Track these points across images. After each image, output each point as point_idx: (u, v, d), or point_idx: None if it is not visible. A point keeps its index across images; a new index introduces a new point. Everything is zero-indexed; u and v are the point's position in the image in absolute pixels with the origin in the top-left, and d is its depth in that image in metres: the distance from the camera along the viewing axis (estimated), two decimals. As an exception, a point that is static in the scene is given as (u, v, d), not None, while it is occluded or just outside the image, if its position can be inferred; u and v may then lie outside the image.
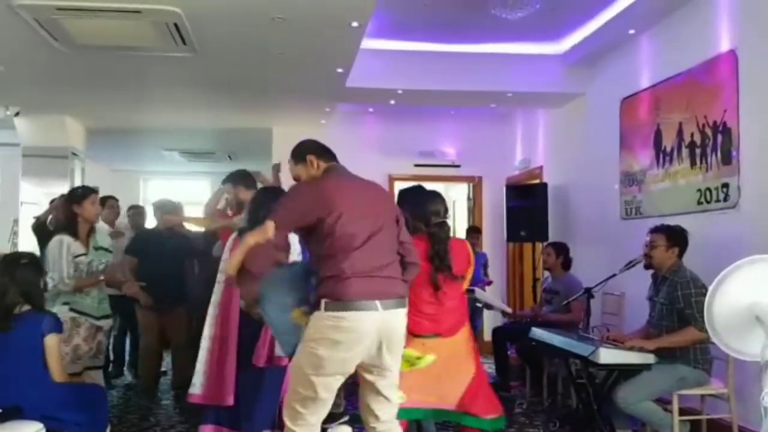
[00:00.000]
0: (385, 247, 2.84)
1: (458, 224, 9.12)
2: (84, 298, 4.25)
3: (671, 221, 4.34)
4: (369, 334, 2.66)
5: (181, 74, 5.96)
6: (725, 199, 4.50)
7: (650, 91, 5.46)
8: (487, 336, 7.02)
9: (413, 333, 3.33)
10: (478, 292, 4.98)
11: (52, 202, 6.09)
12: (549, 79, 6.62)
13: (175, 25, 4.57)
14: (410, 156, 8.30)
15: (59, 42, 4.92)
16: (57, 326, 3.47)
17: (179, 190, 11.36)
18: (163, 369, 6.43)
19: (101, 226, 6.15)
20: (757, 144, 4.25)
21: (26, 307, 3.42)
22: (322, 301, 2.66)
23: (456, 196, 9.35)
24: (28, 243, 6.64)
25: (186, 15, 4.43)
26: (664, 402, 3.96)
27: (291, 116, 7.62)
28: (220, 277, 3.88)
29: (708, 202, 4.67)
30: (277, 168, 5.69)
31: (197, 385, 3.76)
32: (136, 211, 6.78)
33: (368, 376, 2.79)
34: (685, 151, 4.98)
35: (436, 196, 3.67)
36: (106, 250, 4.54)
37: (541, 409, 5.31)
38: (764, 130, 4.20)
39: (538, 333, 4.60)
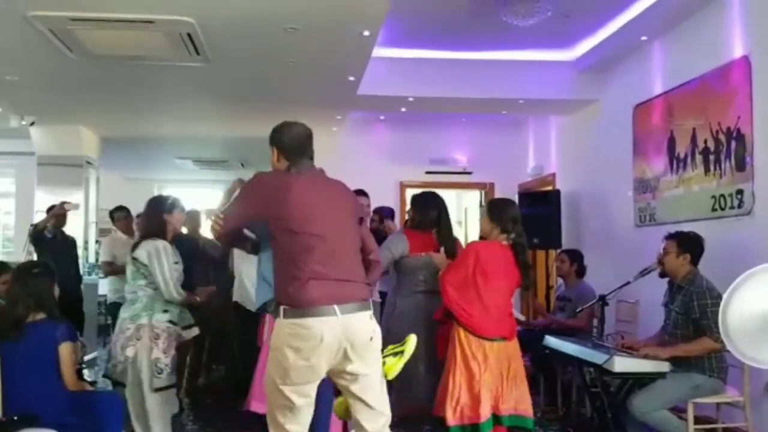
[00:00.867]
0: (347, 249, 2.74)
1: (470, 231, 9.10)
2: (174, 308, 3.97)
3: (685, 228, 4.31)
4: (329, 340, 2.54)
5: (194, 83, 6.01)
6: (739, 206, 4.46)
7: (663, 98, 5.44)
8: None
9: (484, 336, 3.50)
10: None
11: (49, 209, 6.12)
12: (561, 86, 6.60)
13: (189, 35, 4.61)
14: (421, 163, 8.30)
15: (74, 52, 4.98)
16: (71, 335, 3.49)
17: (192, 198, 11.42)
18: None
19: (120, 236, 6.21)
20: (771, 150, 4.22)
21: (40, 316, 3.44)
22: (281, 308, 2.59)
23: (468, 203, 9.34)
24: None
25: (199, 25, 4.46)
26: (679, 411, 3.92)
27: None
28: None
29: (722, 209, 4.63)
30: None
31: (258, 395, 3.66)
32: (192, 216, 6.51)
33: (341, 382, 2.69)
34: (698, 158, 4.94)
35: (512, 202, 3.85)
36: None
37: (555, 417, 5.27)
38: (779, 136, 4.17)
39: (552, 341, 4.57)
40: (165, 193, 4.60)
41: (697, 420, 3.89)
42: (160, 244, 3.87)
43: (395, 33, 5.70)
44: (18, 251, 7.80)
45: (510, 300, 3.73)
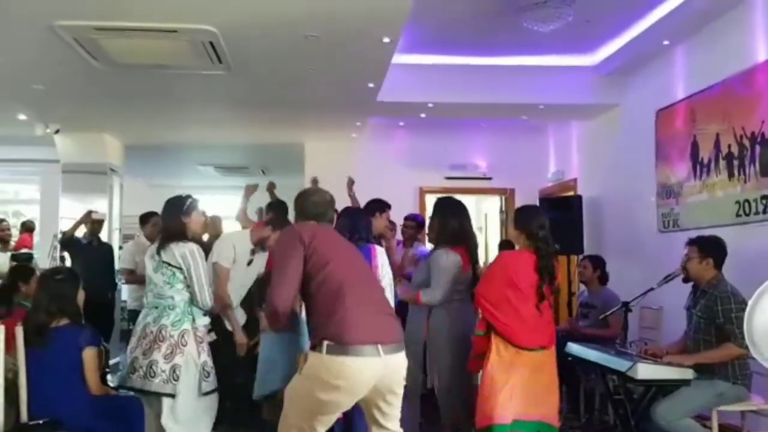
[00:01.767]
0: (377, 287, 2.91)
1: (491, 238, 9.06)
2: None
3: (709, 234, 4.26)
4: (369, 380, 2.59)
5: (216, 91, 6.07)
6: (764, 211, 4.40)
7: (686, 102, 5.39)
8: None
9: (523, 347, 3.48)
10: None
11: (89, 214, 6.20)
12: (582, 91, 6.57)
13: (211, 43, 4.66)
14: (441, 169, 8.29)
15: (98, 61, 5.05)
16: (95, 340, 3.53)
17: (214, 203, 11.51)
18: None
19: (143, 242, 6.23)
20: (797, 155, 4.16)
21: (64, 321, 3.48)
22: (324, 343, 2.57)
23: (488, 209, 9.30)
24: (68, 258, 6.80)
25: (221, 34, 4.51)
26: (703, 419, 3.87)
27: (323, 131, 7.70)
28: None
29: (747, 214, 4.58)
30: (314, 181, 5.78)
31: None
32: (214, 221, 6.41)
33: (370, 410, 2.75)
34: (722, 163, 4.89)
35: (538, 209, 3.87)
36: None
37: (577, 425, 5.22)
38: (805, 141, 4.11)
39: (574, 348, 4.54)
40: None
41: (722, 428, 3.85)
42: (193, 246, 3.68)
43: (415, 39, 5.72)
44: (43, 257, 7.91)
45: (548, 307, 3.68)
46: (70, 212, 7.66)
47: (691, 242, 4.03)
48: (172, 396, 3.47)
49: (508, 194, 8.52)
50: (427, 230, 4.34)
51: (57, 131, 7.42)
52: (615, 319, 4.97)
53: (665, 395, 3.79)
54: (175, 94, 6.21)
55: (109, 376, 6.01)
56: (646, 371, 3.69)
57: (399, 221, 5.86)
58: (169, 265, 3.61)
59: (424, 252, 5.29)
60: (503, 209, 8.68)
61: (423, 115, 7.13)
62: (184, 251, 3.61)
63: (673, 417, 3.71)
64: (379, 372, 2.59)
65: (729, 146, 4.81)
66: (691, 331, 4.02)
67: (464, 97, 6.54)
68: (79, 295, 3.63)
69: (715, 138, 4.97)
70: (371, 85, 5.82)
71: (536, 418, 3.50)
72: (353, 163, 7.71)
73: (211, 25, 4.39)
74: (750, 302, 2.68)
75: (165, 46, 4.75)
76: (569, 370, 5.46)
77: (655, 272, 4.69)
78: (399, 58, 5.65)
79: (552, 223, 7.28)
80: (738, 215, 4.66)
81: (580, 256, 6.36)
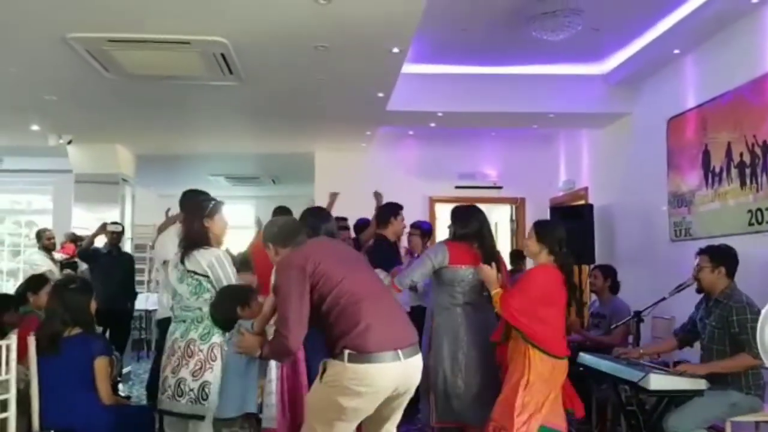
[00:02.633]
0: (386, 292, 2.92)
1: (501, 247, 9.02)
2: None
3: (721, 243, 4.23)
4: (390, 384, 2.66)
5: (227, 102, 6.11)
6: (778, 220, 4.37)
7: (697, 111, 5.37)
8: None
9: (557, 355, 3.53)
10: None
11: (104, 227, 6.24)
12: (592, 100, 6.56)
13: (222, 55, 4.69)
14: (451, 178, 8.30)
15: (110, 72, 5.10)
16: (106, 349, 3.54)
17: (225, 213, 11.55)
18: None
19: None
20: (810, 163, 4.13)
21: (76, 330, 3.50)
22: (346, 352, 2.61)
23: (498, 218, 9.28)
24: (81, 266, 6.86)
25: (233, 45, 4.55)
26: (716, 430, 3.83)
27: (333, 140, 7.73)
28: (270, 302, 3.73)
29: (759, 223, 4.54)
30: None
31: (270, 418, 3.59)
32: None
33: (382, 411, 2.77)
34: (734, 171, 4.86)
35: (558, 223, 3.93)
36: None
37: (589, 435, 5.18)
38: (818, 149, 4.08)
39: (586, 358, 4.51)
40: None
41: (736, 439, 3.80)
42: (219, 252, 3.40)
43: (424, 49, 5.73)
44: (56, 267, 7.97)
45: (564, 320, 3.75)
46: (82, 222, 7.72)
47: (702, 251, 4.01)
48: (202, 418, 3.20)
49: (518, 203, 8.51)
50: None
51: (70, 142, 7.48)
52: (621, 328, 4.96)
53: (678, 406, 3.75)
54: (187, 105, 6.26)
55: (120, 386, 6.04)
56: (658, 382, 3.66)
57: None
58: (195, 273, 3.33)
59: None
60: (513, 218, 8.66)
61: (432, 125, 7.14)
62: (210, 258, 3.33)
63: (686, 428, 3.67)
64: (399, 375, 2.67)
65: (741, 155, 4.79)
66: (704, 342, 3.99)
67: (474, 106, 6.55)
68: (92, 305, 3.65)
69: (726, 146, 4.95)
70: (381, 94, 5.84)
71: (544, 423, 3.48)
72: (363, 173, 7.73)
73: (222, 37, 4.43)
74: (763, 312, 2.65)
75: (176, 58, 4.79)
76: (581, 381, 5.43)
77: (667, 282, 4.66)
78: (408, 68, 5.66)
79: (563, 232, 7.32)
80: (750, 224, 4.63)
81: (591, 266, 6.33)
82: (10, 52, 4.80)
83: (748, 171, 4.71)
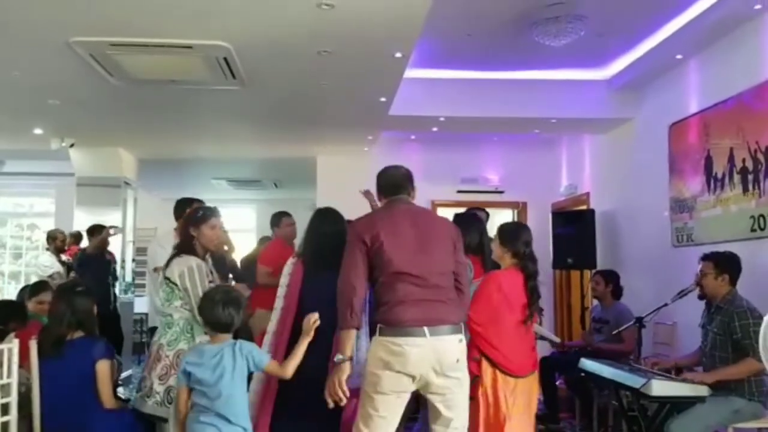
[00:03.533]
0: (438, 273, 2.92)
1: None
2: None
3: (724, 249, 4.22)
4: (416, 359, 2.77)
5: (230, 106, 6.11)
6: (780, 226, 4.36)
7: (699, 117, 5.37)
8: (534, 365, 6.90)
9: (517, 375, 3.36)
10: None
11: (90, 231, 6.25)
12: (594, 105, 6.56)
13: (225, 59, 4.70)
14: (453, 182, 8.28)
15: (113, 76, 5.11)
16: (108, 352, 3.53)
17: (227, 217, 11.57)
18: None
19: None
20: (813, 169, 4.13)
21: (78, 334, 3.50)
22: (378, 326, 2.84)
23: (500, 223, 9.28)
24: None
25: (235, 50, 4.55)
26: (719, 436, 3.82)
27: (335, 144, 7.73)
28: (279, 303, 3.55)
29: (762, 229, 4.54)
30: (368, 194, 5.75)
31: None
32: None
33: (428, 396, 2.88)
34: (736, 177, 4.86)
35: (524, 226, 3.79)
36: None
37: (590, 441, 5.18)
38: (820, 155, 4.08)
39: (587, 364, 4.50)
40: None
41: (739, 446, 3.79)
42: (194, 262, 3.44)
43: (427, 54, 5.74)
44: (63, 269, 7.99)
45: (531, 331, 3.57)
46: (84, 225, 7.72)
47: (707, 258, 4.00)
48: (165, 420, 3.26)
49: (520, 208, 8.50)
50: None
51: (72, 145, 7.49)
52: (629, 334, 4.93)
53: (680, 412, 3.75)
54: (189, 109, 6.26)
55: (120, 389, 6.03)
56: (660, 388, 3.66)
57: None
58: (169, 281, 3.42)
59: None
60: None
61: (435, 129, 7.14)
62: (183, 268, 3.40)
63: (688, 434, 3.66)
64: (427, 353, 2.77)
65: (743, 160, 4.78)
66: (706, 348, 3.98)
67: (476, 111, 6.55)
68: (94, 309, 3.65)
69: (729, 152, 4.95)
70: (383, 99, 5.85)
71: None
72: (365, 177, 7.65)
73: (225, 41, 4.43)
74: (766, 318, 2.65)
75: (179, 62, 4.80)
76: (583, 386, 5.43)
77: (669, 287, 4.66)
78: (411, 73, 5.67)
79: (565, 237, 7.37)
80: (753, 230, 4.62)
81: (593, 271, 6.33)
82: (14, 56, 4.80)
83: (750, 177, 4.71)
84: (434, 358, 2.78)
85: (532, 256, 3.57)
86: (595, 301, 5.93)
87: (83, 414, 3.35)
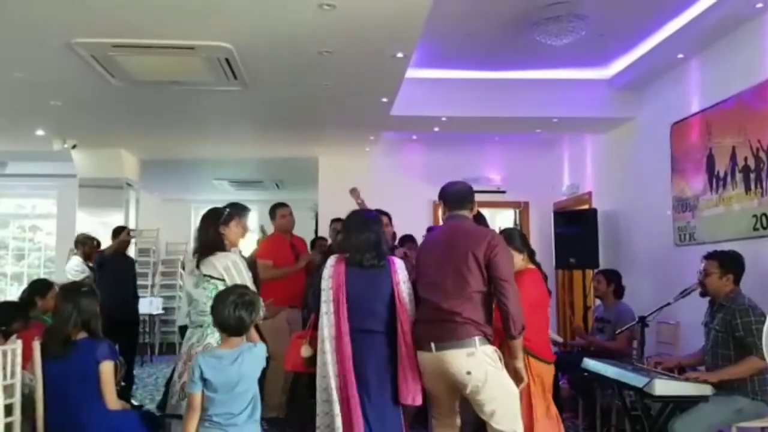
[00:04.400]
0: (455, 292, 3.16)
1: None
2: None
3: (726, 248, 4.22)
4: (429, 369, 3.19)
5: (232, 107, 6.12)
6: (783, 225, 4.36)
7: (701, 116, 5.36)
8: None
9: (551, 361, 3.66)
10: None
11: (115, 233, 6.27)
12: (596, 104, 6.56)
13: (227, 60, 4.71)
14: (455, 182, 8.27)
15: (115, 77, 5.11)
16: (112, 353, 3.53)
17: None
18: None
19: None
20: (815, 168, 4.12)
21: (81, 334, 3.50)
22: None
23: (502, 223, 9.28)
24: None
25: (237, 51, 4.56)
26: (722, 435, 3.82)
27: (336, 145, 7.73)
28: (327, 308, 3.38)
29: (764, 228, 4.53)
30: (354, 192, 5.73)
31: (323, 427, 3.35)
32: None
33: (475, 408, 3.19)
34: (739, 176, 4.86)
35: (516, 227, 4.06)
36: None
37: (593, 441, 5.17)
38: (823, 154, 4.07)
39: (590, 364, 4.49)
40: (201, 212, 4.12)
41: (742, 445, 3.79)
42: (235, 256, 3.49)
43: (428, 54, 5.74)
44: (59, 271, 7.98)
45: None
46: (86, 226, 7.73)
47: (711, 257, 3.99)
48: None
49: (522, 208, 8.50)
50: None
51: (74, 146, 7.50)
52: (624, 334, 4.95)
53: (683, 411, 3.74)
54: (191, 110, 6.27)
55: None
56: (663, 387, 3.65)
57: (418, 235, 5.86)
58: (211, 277, 3.40)
59: None
60: (517, 223, 8.65)
61: (436, 129, 7.14)
62: (226, 262, 3.42)
63: (691, 433, 3.66)
64: (436, 366, 3.14)
65: (745, 159, 4.78)
66: (708, 346, 3.98)
67: (477, 110, 6.55)
68: (98, 309, 3.65)
69: (731, 151, 4.94)
70: (385, 99, 5.85)
71: None
72: (367, 177, 7.73)
73: (226, 42, 4.44)
74: (768, 317, 2.65)
75: (181, 63, 4.80)
76: (586, 386, 5.42)
77: (672, 286, 4.66)
78: (412, 73, 5.67)
79: (567, 237, 7.36)
80: (755, 229, 4.62)
81: (595, 271, 6.33)
82: (16, 57, 4.81)
83: (752, 176, 4.70)
84: (441, 371, 3.13)
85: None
86: (598, 301, 5.92)
87: (87, 415, 3.34)
